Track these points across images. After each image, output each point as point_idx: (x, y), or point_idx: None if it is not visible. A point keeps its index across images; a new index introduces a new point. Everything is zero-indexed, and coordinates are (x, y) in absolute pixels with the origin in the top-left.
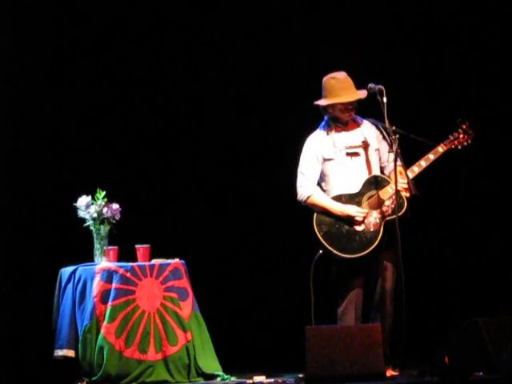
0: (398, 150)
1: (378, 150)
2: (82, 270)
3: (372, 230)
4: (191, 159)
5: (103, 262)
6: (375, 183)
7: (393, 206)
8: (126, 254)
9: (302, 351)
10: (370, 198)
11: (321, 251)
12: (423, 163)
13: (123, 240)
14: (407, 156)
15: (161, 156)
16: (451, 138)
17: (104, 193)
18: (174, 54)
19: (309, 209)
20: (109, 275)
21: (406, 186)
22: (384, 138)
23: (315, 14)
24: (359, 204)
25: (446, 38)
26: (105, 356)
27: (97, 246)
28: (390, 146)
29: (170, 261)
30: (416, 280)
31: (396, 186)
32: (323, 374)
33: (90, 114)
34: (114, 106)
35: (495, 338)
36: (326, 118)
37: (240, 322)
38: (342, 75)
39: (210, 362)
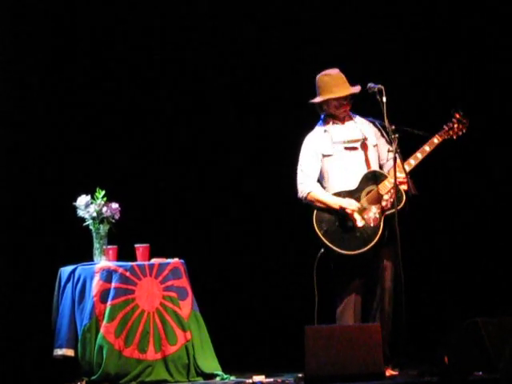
0: (398, 150)
1: (376, 146)
2: (81, 269)
3: (372, 225)
4: (191, 159)
5: (103, 262)
6: (373, 178)
7: (391, 200)
8: (125, 254)
9: (301, 351)
10: (368, 193)
11: (322, 250)
12: (419, 155)
13: (123, 239)
14: (403, 149)
15: (160, 155)
16: (446, 128)
17: (103, 192)
18: (174, 53)
19: (309, 207)
20: (108, 274)
21: (403, 179)
22: (382, 135)
23: (315, 14)
24: (358, 200)
25: (443, 33)
26: (104, 355)
27: (96, 245)
28: (390, 144)
29: (169, 260)
30: (416, 280)
31: (395, 181)
32: (323, 374)
33: (89, 114)
34: (114, 106)
35: (495, 337)
36: (322, 116)
37: (240, 321)
38: (334, 72)
39: (209, 361)
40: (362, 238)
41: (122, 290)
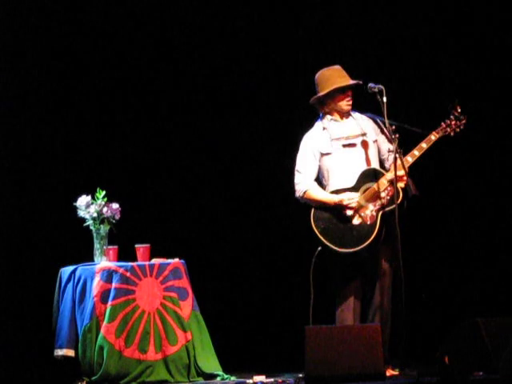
0: (399, 150)
1: (376, 141)
2: (81, 269)
3: (369, 222)
4: (191, 159)
5: (103, 262)
6: (370, 176)
7: (388, 197)
8: (125, 254)
9: (301, 351)
10: (365, 190)
11: (320, 248)
12: (416, 152)
13: (123, 240)
14: (402, 147)
15: (161, 155)
16: (443, 125)
17: (104, 192)
18: (174, 53)
19: (307, 207)
20: (109, 275)
21: (403, 177)
22: (382, 131)
23: (315, 14)
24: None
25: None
26: (104, 356)
27: (97, 245)
28: (390, 142)
29: (169, 260)
30: (415, 279)
31: (395, 181)
32: (323, 374)
33: (89, 114)
34: (114, 106)
35: (495, 338)
36: (320, 114)
37: (240, 321)
38: (335, 66)
39: (209, 361)
40: (358, 236)
41: (122, 291)
